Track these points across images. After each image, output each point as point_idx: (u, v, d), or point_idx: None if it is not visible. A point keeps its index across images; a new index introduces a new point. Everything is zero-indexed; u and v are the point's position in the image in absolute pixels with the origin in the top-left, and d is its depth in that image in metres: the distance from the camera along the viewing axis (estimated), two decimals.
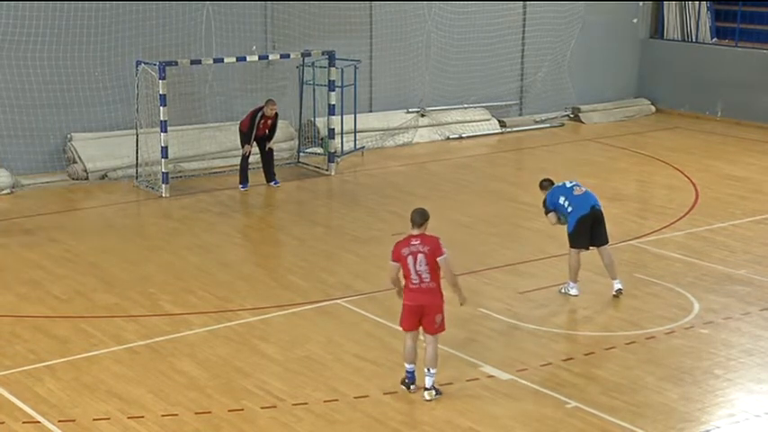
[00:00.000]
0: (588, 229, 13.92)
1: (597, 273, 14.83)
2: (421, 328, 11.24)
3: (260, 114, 19.48)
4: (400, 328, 13.02)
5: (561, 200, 14.02)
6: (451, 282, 11.17)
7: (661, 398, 11.25)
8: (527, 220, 17.79)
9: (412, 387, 11.33)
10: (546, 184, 14.41)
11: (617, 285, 14.19)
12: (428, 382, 11.18)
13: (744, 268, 15.51)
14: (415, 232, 11.19)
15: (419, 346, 11.28)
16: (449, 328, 12.72)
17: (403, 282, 11.19)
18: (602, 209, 14.08)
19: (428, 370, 11.18)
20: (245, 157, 19.67)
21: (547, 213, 14.34)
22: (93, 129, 20.78)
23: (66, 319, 13.29)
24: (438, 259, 10.99)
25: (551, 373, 11.83)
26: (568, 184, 14.15)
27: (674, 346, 12.68)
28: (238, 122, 22.04)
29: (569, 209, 13.95)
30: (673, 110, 27.40)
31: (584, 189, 14.07)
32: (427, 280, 11.00)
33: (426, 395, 11.16)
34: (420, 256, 10.99)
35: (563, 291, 14.30)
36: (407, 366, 11.35)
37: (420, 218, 11.23)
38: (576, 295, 14.16)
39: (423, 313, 11.10)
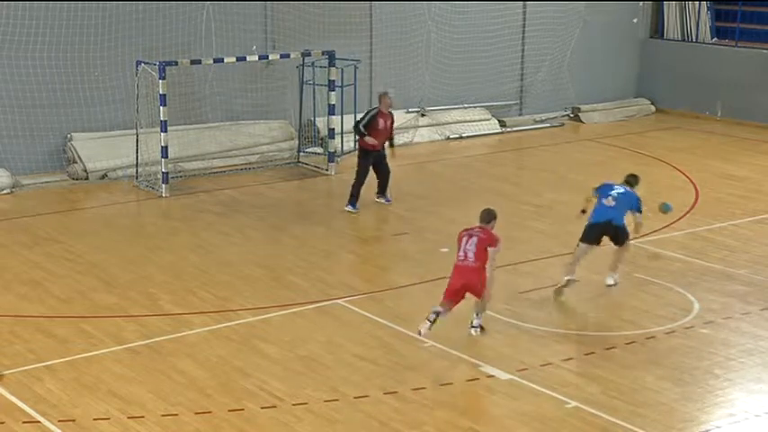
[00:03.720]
0: (594, 234, 14.13)
1: (597, 273, 14.84)
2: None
3: (374, 114, 18.24)
4: (400, 328, 13.10)
5: (598, 196, 14.35)
6: (489, 272, 12.34)
7: (661, 398, 11.25)
8: (527, 220, 17.80)
9: (428, 324, 12.11)
10: (630, 179, 14.70)
11: (609, 280, 14.50)
12: (475, 321, 12.67)
13: (744, 268, 15.51)
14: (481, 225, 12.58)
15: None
16: (448, 327, 12.76)
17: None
18: (622, 224, 14.18)
19: (477, 314, 12.65)
20: (363, 172, 18.28)
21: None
22: (93, 129, 20.78)
23: (66, 319, 13.29)
24: (489, 249, 12.28)
25: (551, 373, 11.83)
26: (612, 191, 14.30)
27: (674, 346, 12.68)
28: (240, 122, 22.12)
29: (595, 209, 14.24)
30: (673, 110, 27.40)
31: (614, 203, 14.15)
32: (471, 259, 12.28)
33: (472, 331, 12.64)
34: (474, 238, 12.34)
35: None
36: (435, 307, 12.26)
37: (487, 216, 12.62)
38: (566, 282, 14.10)
39: (466, 291, 12.37)
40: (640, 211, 14.32)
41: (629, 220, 14.34)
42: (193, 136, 21.25)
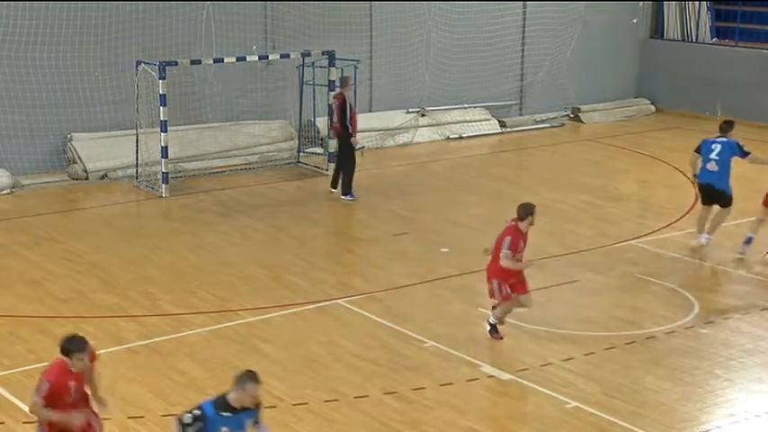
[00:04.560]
0: (704, 196, 15.89)
1: (597, 272, 14.84)
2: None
3: (348, 102, 18.94)
4: (400, 328, 13.13)
5: (701, 158, 15.80)
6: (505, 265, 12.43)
7: (661, 398, 11.25)
8: None
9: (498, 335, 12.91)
10: (725, 127, 16.09)
11: (702, 239, 15.86)
12: (490, 317, 12.74)
13: (744, 268, 15.52)
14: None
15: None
16: (449, 327, 12.78)
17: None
18: (723, 188, 15.67)
19: (492, 315, 12.77)
20: (351, 160, 19.01)
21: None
22: (93, 129, 20.77)
23: (66, 319, 13.28)
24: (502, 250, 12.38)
25: (551, 373, 11.83)
26: (712, 152, 15.61)
27: (674, 346, 12.68)
28: (240, 122, 22.13)
29: (701, 170, 15.81)
30: (673, 110, 27.39)
31: (717, 167, 15.54)
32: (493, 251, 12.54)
33: (485, 323, 12.79)
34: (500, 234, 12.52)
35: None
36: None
37: (521, 211, 12.53)
38: (702, 244, 15.80)
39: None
40: (747, 152, 15.61)
41: (746, 169, 16.18)
42: (193, 136, 21.24)
